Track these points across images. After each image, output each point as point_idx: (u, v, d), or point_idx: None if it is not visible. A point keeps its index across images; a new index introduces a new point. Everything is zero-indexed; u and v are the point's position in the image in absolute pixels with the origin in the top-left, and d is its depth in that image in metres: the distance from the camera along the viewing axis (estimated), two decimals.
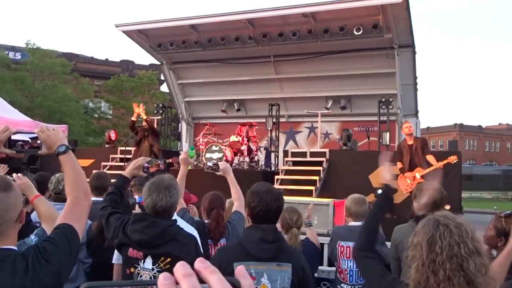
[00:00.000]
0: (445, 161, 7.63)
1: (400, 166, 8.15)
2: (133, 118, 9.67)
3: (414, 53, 11.92)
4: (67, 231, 1.72)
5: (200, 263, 0.65)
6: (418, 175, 7.88)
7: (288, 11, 11.19)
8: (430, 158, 7.75)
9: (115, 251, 2.82)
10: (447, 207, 8.42)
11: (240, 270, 0.68)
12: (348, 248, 3.61)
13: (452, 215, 1.64)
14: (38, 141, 2.15)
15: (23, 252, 1.63)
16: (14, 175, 2.73)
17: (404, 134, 8.18)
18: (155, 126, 10.35)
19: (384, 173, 2.40)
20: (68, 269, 1.72)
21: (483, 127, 62.21)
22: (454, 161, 7.69)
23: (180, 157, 3.57)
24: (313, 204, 4.92)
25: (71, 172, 1.92)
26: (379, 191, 8.70)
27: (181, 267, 0.64)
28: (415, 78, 12.58)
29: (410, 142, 8.02)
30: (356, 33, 10.98)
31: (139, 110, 9.57)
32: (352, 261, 3.52)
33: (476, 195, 28.09)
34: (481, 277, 1.50)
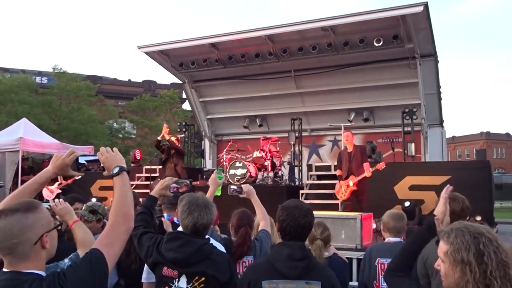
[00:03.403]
0: (373, 169, 7.86)
1: (338, 174, 8.46)
2: (159, 138, 9.79)
3: (436, 62, 11.79)
4: (92, 257, 1.67)
5: None
6: (351, 183, 8.12)
7: (307, 26, 11.23)
8: (365, 165, 8.01)
9: (144, 269, 2.83)
10: (478, 218, 8.30)
11: None
12: None
13: (471, 224, 1.61)
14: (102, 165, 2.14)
15: (43, 278, 1.59)
16: (55, 200, 2.78)
17: (344, 143, 8.47)
18: (178, 145, 10.50)
19: (439, 205, 2.27)
20: None
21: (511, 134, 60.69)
22: (382, 167, 7.92)
23: (210, 178, 3.61)
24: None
25: (117, 194, 1.92)
26: (406, 204, 8.53)
27: None
28: (439, 87, 12.42)
29: (350, 150, 8.29)
30: (377, 45, 10.93)
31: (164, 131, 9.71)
32: None
33: (507, 205, 27.27)
34: None
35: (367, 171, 7.91)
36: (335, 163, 10.56)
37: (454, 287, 1.55)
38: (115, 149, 2.12)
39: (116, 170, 1.98)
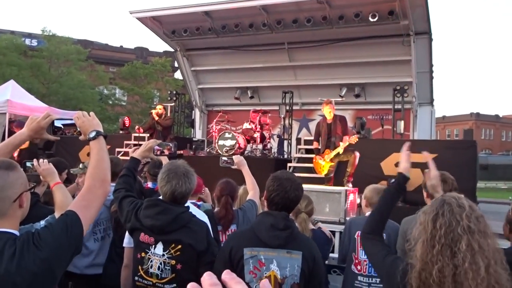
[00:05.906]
0: (346, 143, 7.60)
1: (315, 147, 8.19)
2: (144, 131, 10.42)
3: (430, 40, 11.71)
4: (68, 218, 1.68)
5: (227, 275, 0.67)
6: (327, 158, 7.94)
7: None
8: (344, 138, 7.68)
9: (126, 234, 2.85)
10: (460, 196, 8.41)
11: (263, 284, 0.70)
12: None
13: (458, 196, 1.69)
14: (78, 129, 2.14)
15: (17, 237, 1.60)
16: (39, 161, 2.77)
17: (323, 112, 8.14)
18: (168, 118, 11.25)
19: (401, 161, 2.38)
20: (63, 257, 1.64)
21: (500, 116, 61.18)
22: (355, 141, 7.66)
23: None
24: None
25: (94, 159, 1.92)
26: (392, 180, 8.57)
27: (208, 277, 0.66)
28: (431, 66, 12.38)
29: (330, 121, 7.95)
30: (372, 20, 10.80)
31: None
32: None
33: (491, 185, 27.75)
34: (470, 257, 1.53)
35: (341, 148, 7.62)
36: None
37: (414, 242, 1.68)
38: (92, 113, 2.11)
39: (92, 134, 1.98)
